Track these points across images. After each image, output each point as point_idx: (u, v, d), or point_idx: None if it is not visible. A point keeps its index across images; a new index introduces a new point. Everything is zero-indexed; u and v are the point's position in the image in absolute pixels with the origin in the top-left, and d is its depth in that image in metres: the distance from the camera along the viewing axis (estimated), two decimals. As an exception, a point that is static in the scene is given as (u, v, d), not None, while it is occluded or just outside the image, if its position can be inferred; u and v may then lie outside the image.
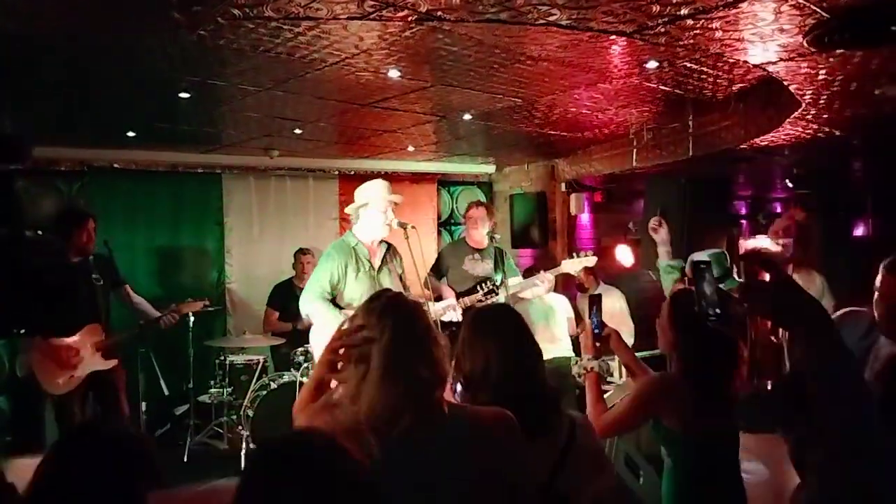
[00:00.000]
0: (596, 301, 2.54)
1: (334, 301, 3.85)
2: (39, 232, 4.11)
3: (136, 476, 1.43)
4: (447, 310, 4.34)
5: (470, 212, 4.99)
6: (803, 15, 1.97)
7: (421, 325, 1.56)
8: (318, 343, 3.87)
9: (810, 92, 2.89)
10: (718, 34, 2.28)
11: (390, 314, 1.52)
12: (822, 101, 3.04)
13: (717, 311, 2.41)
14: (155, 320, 4.53)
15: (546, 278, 4.71)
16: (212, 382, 5.30)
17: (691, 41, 2.40)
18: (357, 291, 3.83)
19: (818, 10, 1.92)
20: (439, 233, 7.28)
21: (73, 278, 4.21)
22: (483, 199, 7.31)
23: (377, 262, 3.96)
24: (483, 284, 4.61)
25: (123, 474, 1.41)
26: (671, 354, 2.32)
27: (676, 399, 2.10)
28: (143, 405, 3.99)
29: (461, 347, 1.80)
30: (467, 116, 4.54)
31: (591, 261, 4.86)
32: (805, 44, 2.19)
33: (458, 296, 4.62)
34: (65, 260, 4.16)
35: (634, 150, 5.38)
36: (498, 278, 4.80)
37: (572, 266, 4.83)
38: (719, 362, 2.11)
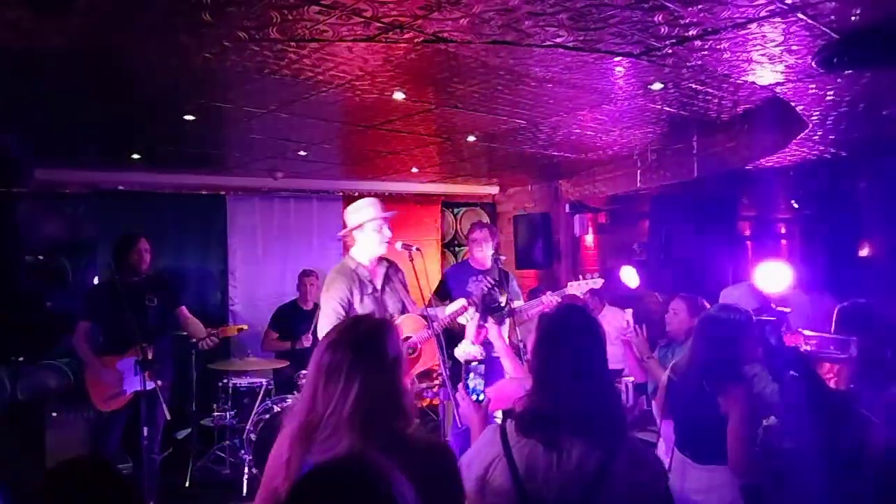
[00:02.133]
0: (473, 369, 2.21)
1: None
2: (41, 257, 4.10)
3: None
4: (460, 310, 4.13)
5: (473, 233, 4.94)
6: (813, 36, 1.96)
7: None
8: None
9: (818, 113, 2.87)
10: (727, 55, 2.27)
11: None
12: (829, 122, 3.02)
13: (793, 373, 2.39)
14: (195, 343, 4.58)
15: (552, 300, 4.67)
16: (214, 406, 5.24)
17: (699, 62, 2.39)
18: (363, 312, 3.78)
19: (828, 30, 1.91)
20: (443, 254, 7.26)
21: (87, 301, 4.26)
22: (486, 219, 7.32)
23: (379, 283, 3.90)
24: (486, 287, 4.50)
25: None
26: None
27: None
28: (145, 430, 3.93)
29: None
30: (471, 138, 4.54)
31: (597, 283, 4.81)
32: (814, 65, 2.18)
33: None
34: (66, 285, 4.17)
35: (639, 171, 5.37)
36: (503, 300, 4.75)
37: (578, 288, 4.78)
38: None
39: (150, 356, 4.02)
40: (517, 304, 4.72)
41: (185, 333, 4.77)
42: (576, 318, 1.89)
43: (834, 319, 3.21)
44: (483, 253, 4.80)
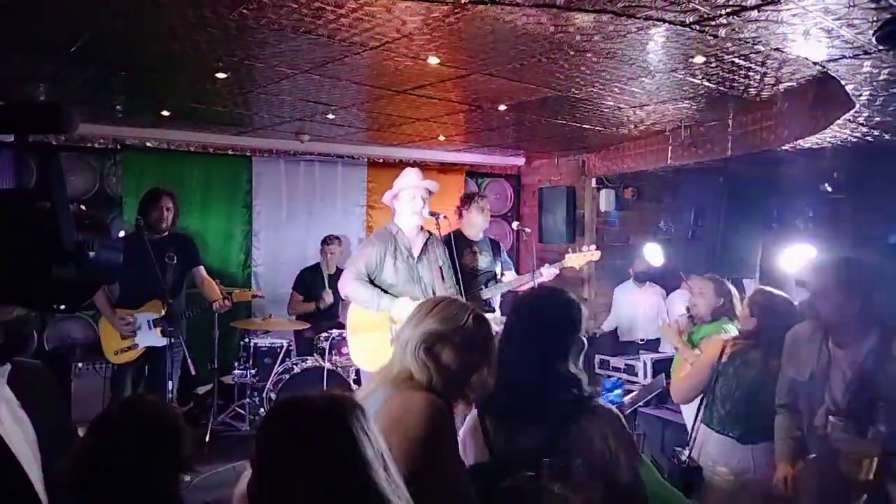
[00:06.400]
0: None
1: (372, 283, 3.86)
2: (83, 207, 4.12)
3: (169, 451, 1.47)
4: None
5: (470, 203, 4.74)
6: (878, 9, 1.88)
7: None
8: (357, 319, 3.85)
9: (868, 92, 2.78)
10: (782, 28, 2.19)
11: None
12: (878, 103, 2.92)
13: None
14: (209, 305, 4.58)
15: (549, 272, 4.62)
16: (235, 364, 5.32)
17: (753, 34, 2.31)
18: (395, 278, 3.83)
19: (894, 3, 1.82)
20: (465, 224, 7.23)
21: (119, 254, 4.22)
22: (510, 191, 7.28)
23: (416, 252, 3.93)
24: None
25: (157, 450, 1.45)
26: None
27: None
28: (170, 384, 4.02)
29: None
30: (502, 107, 4.47)
31: (595, 255, 4.79)
32: (874, 40, 2.09)
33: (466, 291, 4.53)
34: (110, 235, 4.18)
35: (670, 148, 5.27)
36: (497, 270, 4.72)
37: (577, 260, 4.76)
38: None
39: (167, 312, 4.09)
40: (509, 274, 4.71)
41: (199, 292, 4.73)
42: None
43: None
44: (475, 222, 4.68)
